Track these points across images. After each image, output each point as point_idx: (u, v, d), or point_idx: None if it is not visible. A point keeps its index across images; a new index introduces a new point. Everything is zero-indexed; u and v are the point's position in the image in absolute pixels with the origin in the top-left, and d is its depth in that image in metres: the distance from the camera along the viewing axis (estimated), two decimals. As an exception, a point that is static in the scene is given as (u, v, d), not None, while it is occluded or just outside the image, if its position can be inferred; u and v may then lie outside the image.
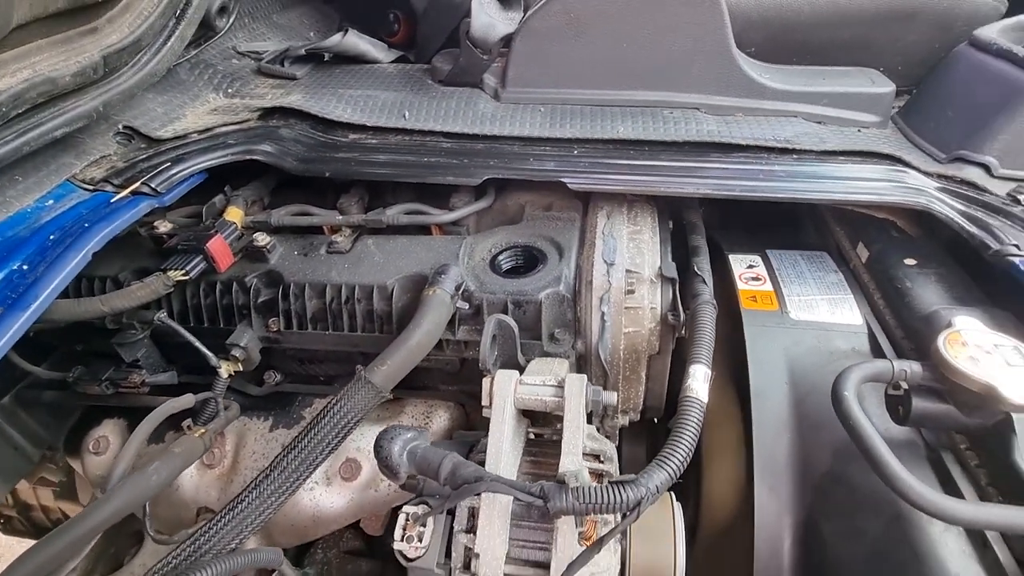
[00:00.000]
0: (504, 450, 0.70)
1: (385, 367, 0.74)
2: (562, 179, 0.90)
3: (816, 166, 0.92)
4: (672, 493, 0.75)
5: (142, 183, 0.85)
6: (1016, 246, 0.74)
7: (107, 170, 0.88)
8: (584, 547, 0.64)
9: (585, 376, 0.73)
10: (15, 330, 0.65)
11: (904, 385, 0.63)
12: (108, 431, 1.02)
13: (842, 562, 0.67)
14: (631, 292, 0.84)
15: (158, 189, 0.86)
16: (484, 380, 0.75)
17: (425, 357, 0.91)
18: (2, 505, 1.51)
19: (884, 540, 0.63)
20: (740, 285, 0.94)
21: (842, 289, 0.91)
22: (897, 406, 0.66)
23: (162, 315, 0.89)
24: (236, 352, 0.91)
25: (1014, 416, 0.60)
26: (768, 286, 0.93)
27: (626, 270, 0.85)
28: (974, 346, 0.61)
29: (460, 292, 0.84)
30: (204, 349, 0.89)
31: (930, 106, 1.02)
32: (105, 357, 0.97)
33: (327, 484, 0.93)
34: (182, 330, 0.89)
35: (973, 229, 0.79)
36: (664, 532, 0.72)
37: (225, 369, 0.92)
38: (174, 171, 0.89)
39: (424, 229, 1.02)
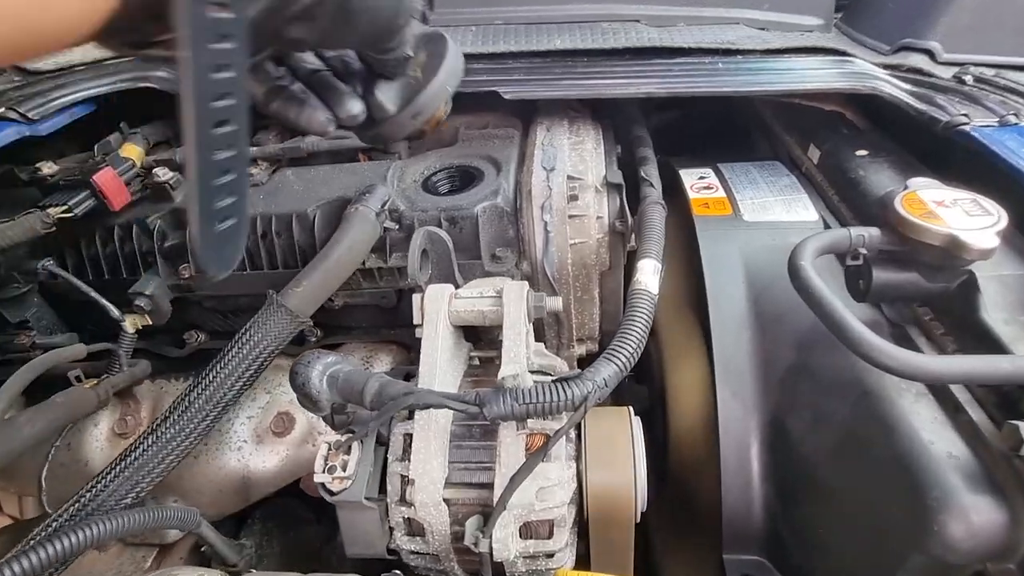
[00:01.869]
0: (439, 367, 0.63)
1: (300, 288, 0.66)
2: (496, 88, 0.83)
3: (761, 62, 0.88)
4: (631, 408, 0.69)
5: (8, 108, 0.73)
6: (965, 115, 0.71)
7: (-33, 100, 0.76)
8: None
9: (526, 283, 0.66)
10: None
11: (863, 252, 0.58)
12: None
13: (811, 454, 0.63)
14: (574, 198, 0.77)
15: (29, 115, 0.75)
16: (414, 296, 0.67)
17: (359, 290, 0.83)
18: None
19: (852, 421, 0.58)
20: (691, 195, 0.88)
21: (796, 190, 0.87)
22: (857, 281, 0.61)
23: (48, 262, 0.78)
24: (141, 302, 0.80)
25: (977, 274, 0.56)
26: (720, 193, 0.88)
27: (567, 176, 0.78)
28: (932, 203, 0.57)
29: (386, 210, 0.76)
30: (101, 299, 0.79)
31: (871, 3, 0.99)
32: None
33: (257, 442, 0.84)
34: (72, 278, 0.78)
35: (922, 106, 0.75)
36: (622, 449, 0.66)
37: (130, 323, 0.81)
38: (52, 97, 0.78)
39: (350, 160, 0.93)
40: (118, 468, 0.58)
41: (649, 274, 0.64)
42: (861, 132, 0.88)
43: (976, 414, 0.52)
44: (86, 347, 0.74)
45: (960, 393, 0.53)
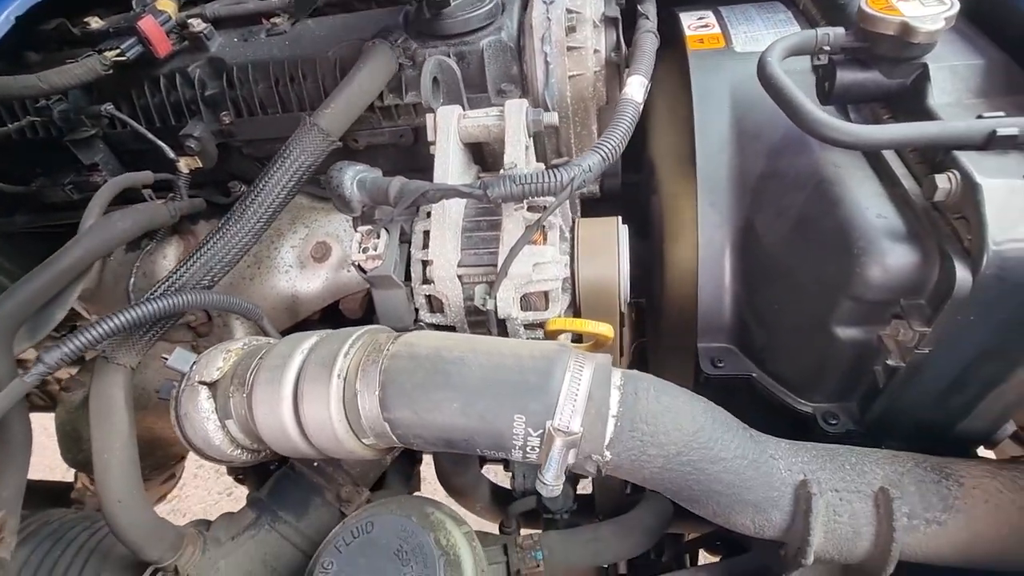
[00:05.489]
0: (450, 175, 0.73)
1: (329, 110, 0.75)
2: (496, -74, 0.86)
3: None
4: (619, 217, 0.79)
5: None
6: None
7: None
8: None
9: (526, 100, 0.74)
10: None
11: (827, 50, 0.64)
12: (87, 249, 1.06)
13: (771, 244, 0.72)
14: (572, 30, 0.83)
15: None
16: (427, 115, 0.76)
17: (380, 129, 0.92)
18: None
19: (807, 206, 0.67)
20: (688, 33, 0.92)
21: (789, 24, 0.90)
22: (824, 83, 0.68)
23: (108, 106, 0.89)
24: (191, 144, 0.91)
25: (930, 65, 0.62)
26: (716, 30, 0.92)
27: (566, 9, 0.84)
28: (895, 1, 0.62)
29: (401, 46, 0.83)
30: (157, 140, 0.90)
31: None
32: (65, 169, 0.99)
33: (301, 267, 0.98)
34: (130, 120, 0.89)
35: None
36: (609, 248, 0.76)
37: (184, 164, 0.93)
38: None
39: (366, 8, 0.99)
40: (193, 260, 0.72)
41: (636, 87, 0.71)
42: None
43: (909, 184, 0.60)
44: (153, 174, 0.86)
45: (898, 168, 0.61)
